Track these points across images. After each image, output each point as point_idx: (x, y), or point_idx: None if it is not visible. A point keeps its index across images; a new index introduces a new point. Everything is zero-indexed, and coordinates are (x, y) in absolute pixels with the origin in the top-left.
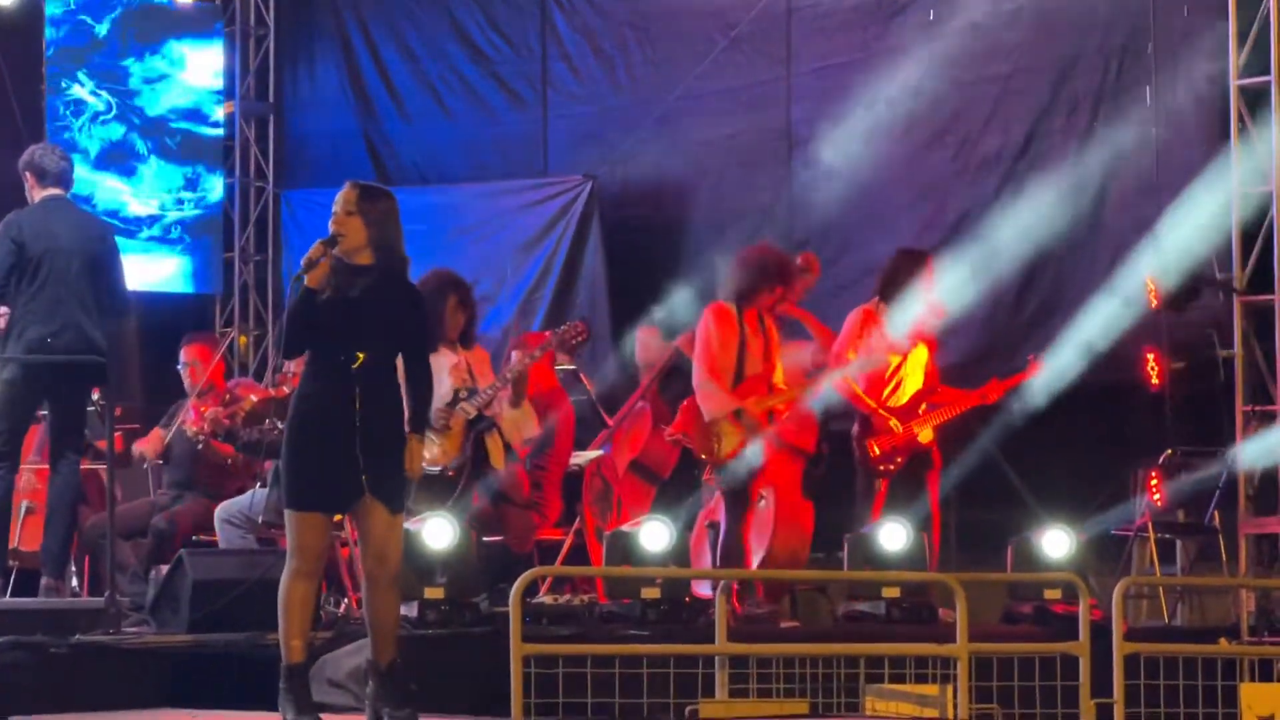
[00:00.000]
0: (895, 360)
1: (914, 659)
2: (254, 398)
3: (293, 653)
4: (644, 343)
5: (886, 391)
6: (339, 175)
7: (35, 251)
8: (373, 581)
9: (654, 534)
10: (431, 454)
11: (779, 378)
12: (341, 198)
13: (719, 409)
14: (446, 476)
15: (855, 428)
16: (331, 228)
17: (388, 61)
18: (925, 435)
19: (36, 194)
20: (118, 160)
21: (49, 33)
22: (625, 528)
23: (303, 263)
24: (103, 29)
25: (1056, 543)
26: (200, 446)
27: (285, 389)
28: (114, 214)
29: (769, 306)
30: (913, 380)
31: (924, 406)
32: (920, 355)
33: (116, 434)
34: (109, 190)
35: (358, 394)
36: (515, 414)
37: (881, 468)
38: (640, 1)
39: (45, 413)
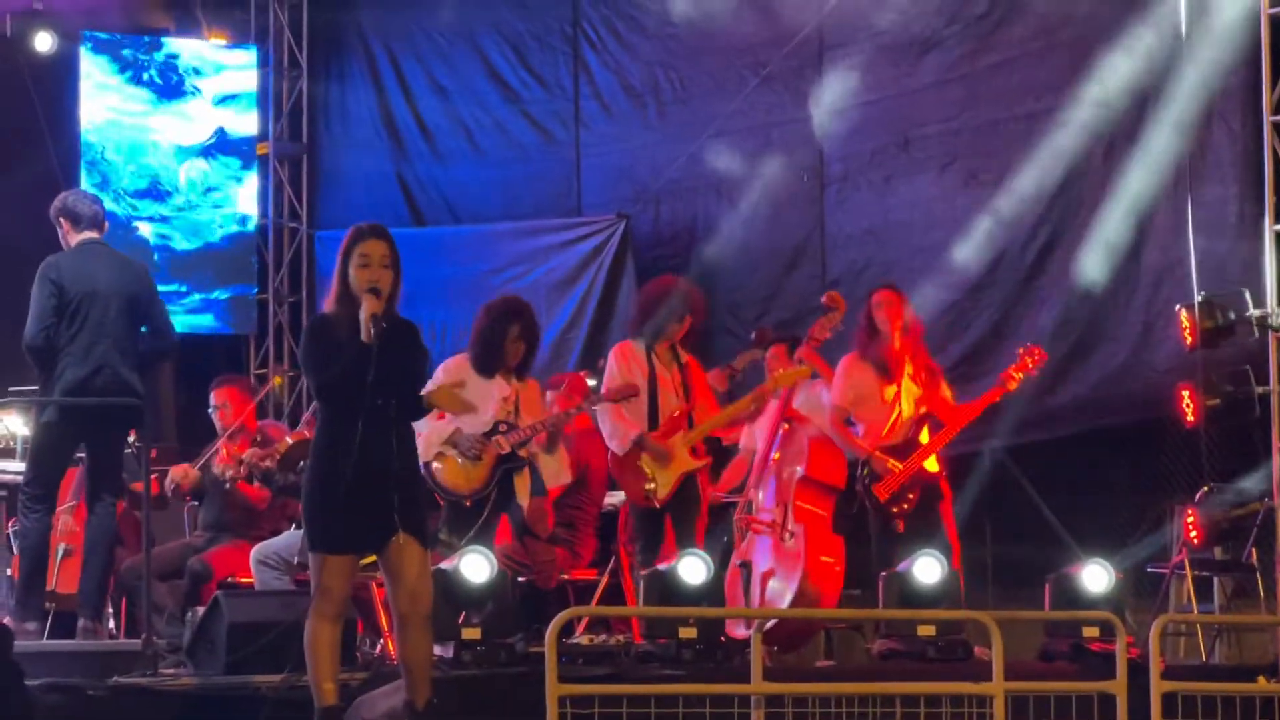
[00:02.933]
0: (890, 394)
1: (950, 698)
2: (289, 440)
3: (325, 695)
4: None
5: (885, 429)
6: (372, 215)
7: (73, 295)
8: (406, 620)
9: (691, 568)
10: (456, 481)
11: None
12: (374, 249)
13: (622, 442)
14: (464, 505)
15: (861, 472)
16: (370, 280)
17: (420, 101)
18: (931, 464)
19: (72, 238)
20: (151, 201)
21: (84, 76)
22: (661, 566)
23: (372, 322)
24: (139, 69)
25: (1096, 578)
26: (228, 487)
27: None
28: (147, 254)
29: (679, 339)
30: (906, 412)
31: (924, 435)
32: (910, 387)
33: (153, 476)
34: (143, 230)
35: (393, 435)
36: (549, 460)
37: (895, 509)
38: (671, 40)
39: (82, 455)
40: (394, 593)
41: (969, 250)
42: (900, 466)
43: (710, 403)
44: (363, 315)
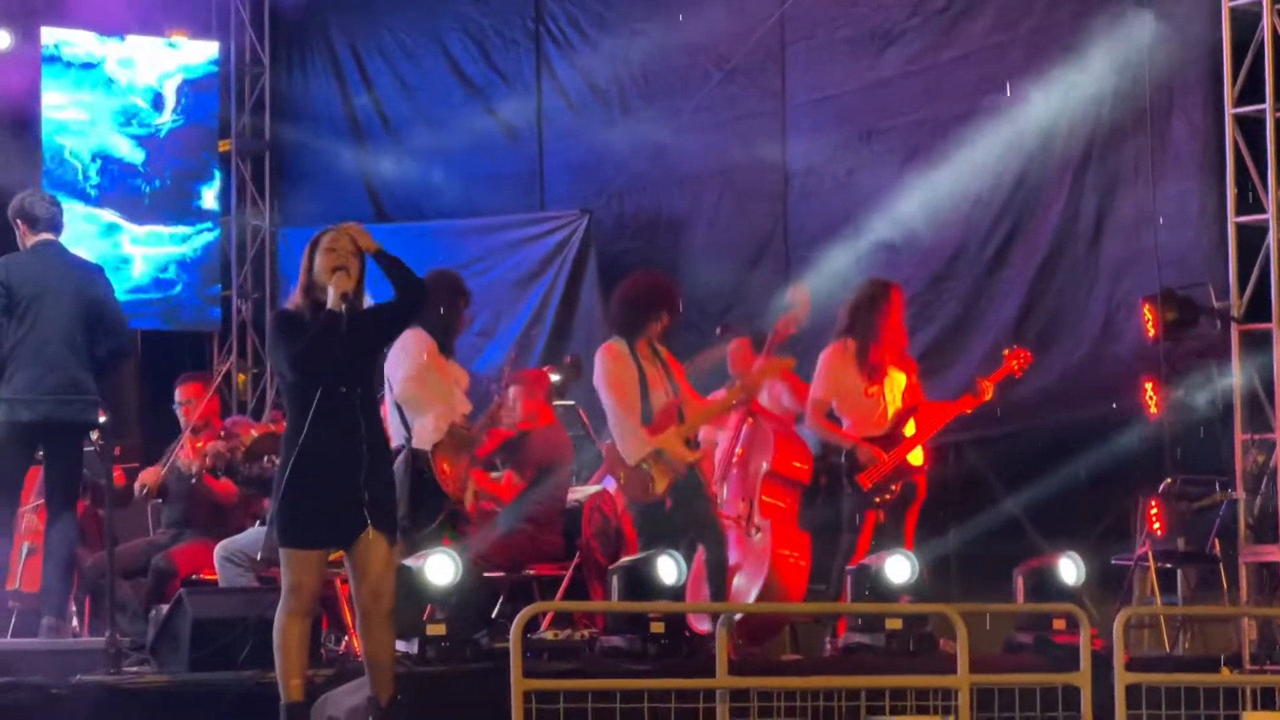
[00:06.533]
0: (875, 388)
1: (915, 690)
2: (254, 433)
3: (292, 691)
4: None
5: (872, 422)
6: (336, 211)
7: (24, 296)
8: (368, 617)
9: (665, 567)
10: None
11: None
12: (339, 240)
13: (638, 451)
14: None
15: (843, 461)
16: (334, 264)
17: (384, 98)
18: (915, 458)
19: (28, 240)
20: (115, 198)
21: (45, 71)
22: (625, 561)
23: (343, 298)
24: (101, 66)
25: (1069, 570)
26: (194, 482)
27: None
28: (111, 251)
29: (658, 335)
30: (892, 406)
31: (910, 428)
32: (897, 380)
33: (117, 471)
34: (106, 228)
35: (362, 427)
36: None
37: (878, 499)
38: (635, 36)
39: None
40: (357, 588)
41: (931, 243)
42: (885, 457)
43: (693, 395)
44: (332, 292)
